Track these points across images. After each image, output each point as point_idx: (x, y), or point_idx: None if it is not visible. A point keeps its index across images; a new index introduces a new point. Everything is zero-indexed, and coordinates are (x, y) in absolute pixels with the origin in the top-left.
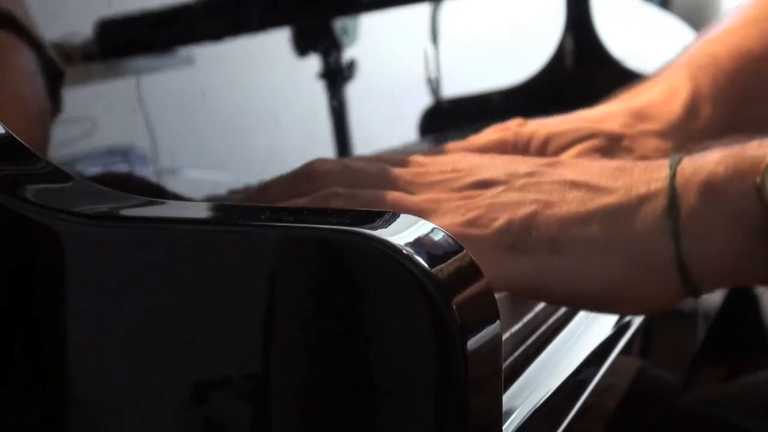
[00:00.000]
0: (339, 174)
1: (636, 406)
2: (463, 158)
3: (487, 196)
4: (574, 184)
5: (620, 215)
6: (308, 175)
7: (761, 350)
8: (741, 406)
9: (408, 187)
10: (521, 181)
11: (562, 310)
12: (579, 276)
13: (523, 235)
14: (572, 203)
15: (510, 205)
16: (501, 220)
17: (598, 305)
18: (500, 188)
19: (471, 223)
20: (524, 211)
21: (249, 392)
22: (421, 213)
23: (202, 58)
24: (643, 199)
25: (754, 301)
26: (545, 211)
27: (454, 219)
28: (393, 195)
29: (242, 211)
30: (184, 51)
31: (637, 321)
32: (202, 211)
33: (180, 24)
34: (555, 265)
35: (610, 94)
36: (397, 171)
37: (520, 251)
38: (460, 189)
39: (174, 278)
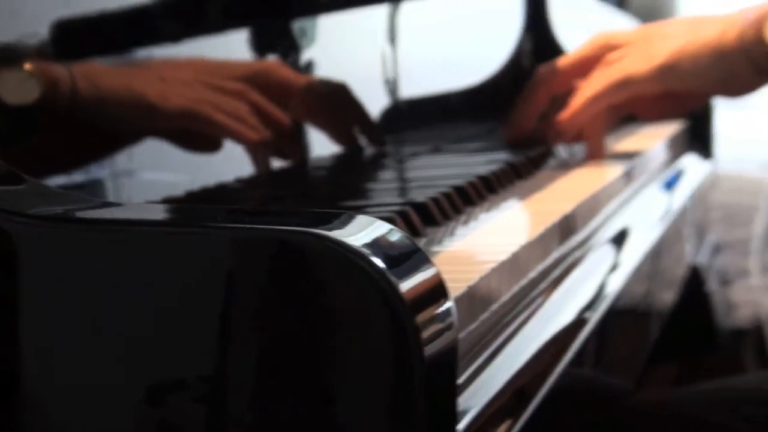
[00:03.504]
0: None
1: (587, 407)
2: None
3: None
4: None
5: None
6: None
7: (713, 349)
8: (693, 406)
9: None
10: None
11: (518, 308)
12: None
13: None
14: None
15: None
16: None
17: None
18: None
19: None
20: None
21: (204, 394)
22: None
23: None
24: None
25: (706, 300)
26: None
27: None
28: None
29: (199, 213)
30: (143, 52)
31: (593, 319)
32: (158, 213)
33: (138, 25)
34: None
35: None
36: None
37: None
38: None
39: (130, 280)
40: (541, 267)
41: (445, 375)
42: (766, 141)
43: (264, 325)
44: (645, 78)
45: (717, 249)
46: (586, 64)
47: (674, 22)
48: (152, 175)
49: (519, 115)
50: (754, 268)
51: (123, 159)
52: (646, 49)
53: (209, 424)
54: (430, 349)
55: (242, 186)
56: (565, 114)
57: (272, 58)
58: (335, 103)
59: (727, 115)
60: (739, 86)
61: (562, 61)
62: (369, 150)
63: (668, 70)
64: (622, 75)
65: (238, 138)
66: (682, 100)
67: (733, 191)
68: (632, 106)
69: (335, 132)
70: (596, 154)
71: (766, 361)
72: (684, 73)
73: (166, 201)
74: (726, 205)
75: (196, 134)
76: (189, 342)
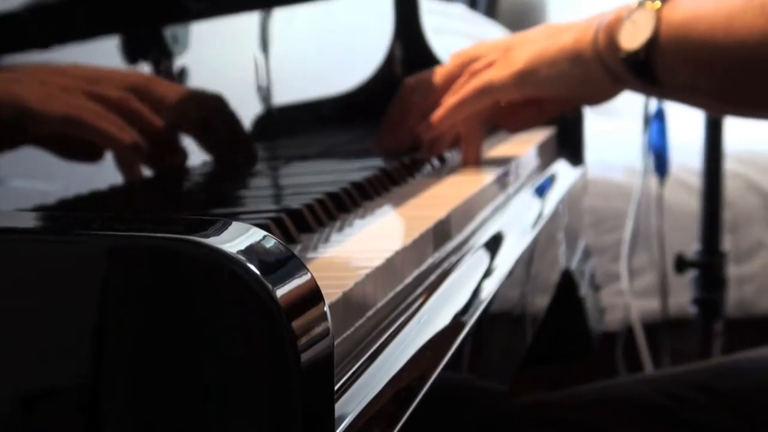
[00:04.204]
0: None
1: (464, 411)
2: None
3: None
4: None
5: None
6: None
7: (587, 352)
8: (567, 409)
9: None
10: None
11: (394, 314)
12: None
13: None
14: None
15: None
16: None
17: None
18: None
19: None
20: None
21: (78, 403)
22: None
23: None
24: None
25: (579, 305)
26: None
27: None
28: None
29: (73, 221)
30: (9, 59)
31: (469, 324)
32: (30, 221)
33: (3, 31)
34: None
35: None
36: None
37: None
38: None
39: (2, 289)
40: (416, 272)
41: (321, 381)
42: (631, 147)
43: (139, 334)
44: (505, 84)
45: (587, 254)
46: (451, 80)
47: (534, 29)
48: (23, 183)
49: (387, 119)
50: (623, 273)
51: None
52: (506, 57)
53: None
54: (306, 356)
55: (116, 194)
56: (430, 120)
57: (146, 67)
58: (210, 115)
59: (594, 121)
60: (595, 92)
61: (429, 78)
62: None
63: (527, 76)
64: (483, 81)
65: (118, 144)
66: (544, 108)
67: (601, 197)
68: (496, 116)
69: (208, 144)
70: (471, 161)
71: (637, 363)
72: (542, 79)
73: (38, 209)
74: (595, 210)
75: (76, 141)
76: (63, 351)
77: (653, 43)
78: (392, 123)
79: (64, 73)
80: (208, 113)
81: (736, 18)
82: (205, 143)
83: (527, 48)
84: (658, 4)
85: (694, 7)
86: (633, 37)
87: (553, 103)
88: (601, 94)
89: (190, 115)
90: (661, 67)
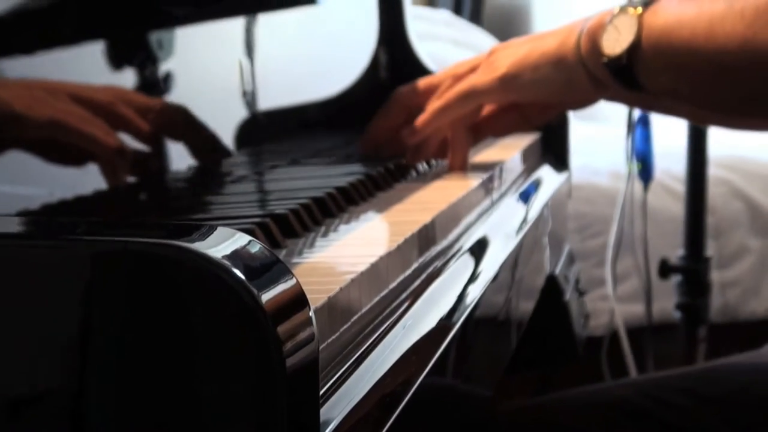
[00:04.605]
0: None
1: (449, 416)
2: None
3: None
4: None
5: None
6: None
7: (572, 357)
8: (552, 413)
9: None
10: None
11: (379, 319)
12: None
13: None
14: None
15: None
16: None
17: None
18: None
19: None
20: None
21: (64, 409)
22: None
23: (14, 72)
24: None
25: (564, 310)
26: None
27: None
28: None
29: (57, 226)
30: None
31: (453, 328)
32: (14, 226)
33: None
34: None
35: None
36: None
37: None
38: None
39: None
40: (401, 277)
41: (307, 386)
42: (616, 152)
43: (125, 339)
44: (488, 88)
45: (572, 259)
46: (437, 87)
47: (520, 37)
48: (7, 188)
49: (373, 128)
50: (608, 278)
51: None
52: (490, 61)
53: None
54: (291, 360)
55: (101, 199)
56: (414, 125)
57: (130, 72)
58: (177, 126)
59: (579, 126)
60: (578, 97)
61: (419, 82)
62: (230, 161)
63: (510, 80)
64: (466, 86)
65: (103, 148)
66: (526, 112)
67: (586, 201)
68: (480, 121)
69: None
70: (458, 166)
71: (622, 368)
72: (525, 83)
73: (22, 214)
74: (580, 215)
75: (62, 146)
76: (48, 357)
77: (635, 49)
78: (378, 120)
79: (44, 85)
80: (174, 123)
81: (717, 24)
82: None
83: (510, 52)
84: (640, 9)
85: (677, 13)
86: (615, 43)
87: (535, 107)
88: (584, 99)
89: (158, 125)
90: (643, 73)
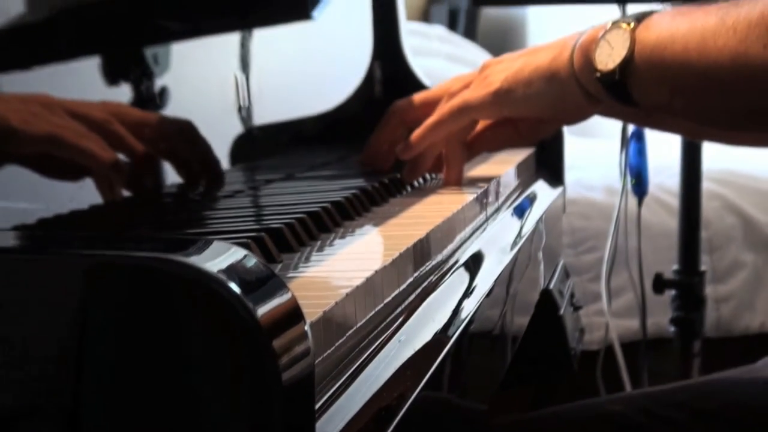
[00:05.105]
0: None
1: (444, 430)
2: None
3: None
4: None
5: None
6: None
7: (567, 371)
8: (546, 428)
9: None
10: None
11: (375, 333)
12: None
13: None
14: None
15: None
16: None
17: None
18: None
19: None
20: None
21: (60, 422)
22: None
23: (12, 87)
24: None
25: (559, 324)
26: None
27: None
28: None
29: (54, 240)
30: None
31: (448, 343)
32: (11, 240)
33: None
34: None
35: None
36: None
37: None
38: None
39: None
40: (396, 292)
41: (302, 400)
42: (611, 167)
43: (121, 352)
44: (481, 103)
45: (567, 273)
46: (432, 103)
47: (513, 52)
48: (4, 203)
49: (373, 141)
50: (603, 293)
51: None
52: (483, 77)
53: None
54: (287, 375)
55: (97, 213)
56: (409, 140)
57: (126, 87)
58: (181, 141)
59: (574, 141)
60: (571, 111)
61: (415, 96)
62: (226, 177)
63: (503, 95)
64: (460, 101)
65: (99, 163)
66: (520, 127)
67: (581, 216)
68: (475, 136)
69: (181, 168)
70: (453, 181)
71: (617, 382)
72: (518, 98)
73: (18, 228)
74: (574, 230)
75: (58, 160)
76: (45, 369)
77: (628, 64)
78: (378, 132)
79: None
80: (179, 138)
81: (710, 39)
82: (177, 167)
83: (503, 67)
84: (633, 24)
85: (669, 28)
86: (608, 58)
87: (529, 122)
88: (577, 114)
89: (160, 140)
90: (636, 87)
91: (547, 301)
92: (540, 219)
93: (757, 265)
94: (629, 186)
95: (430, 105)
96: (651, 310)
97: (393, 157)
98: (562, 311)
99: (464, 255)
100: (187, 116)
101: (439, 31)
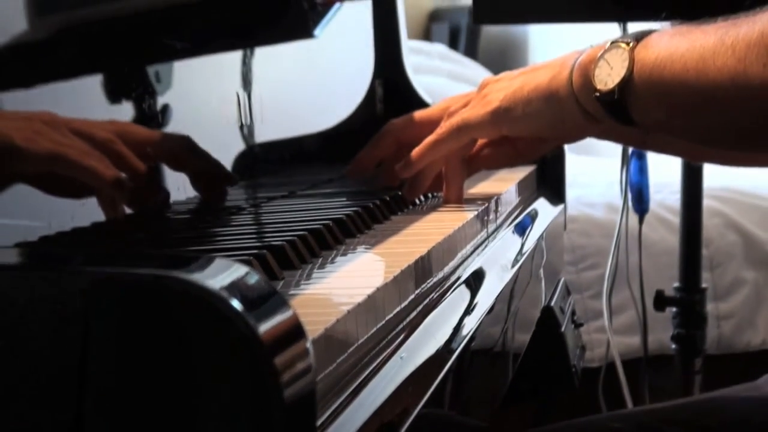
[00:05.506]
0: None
1: None
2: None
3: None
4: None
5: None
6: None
7: (568, 388)
8: None
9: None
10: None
11: (376, 349)
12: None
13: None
14: None
15: None
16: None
17: None
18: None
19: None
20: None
21: None
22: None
23: (12, 105)
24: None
25: (561, 341)
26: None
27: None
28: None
29: (56, 257)
30: None
31: (450, 360)
32: (14, 257)
33: None
34: None
35: None
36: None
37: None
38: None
39: None
40: (398, 309)
41: (304, 416)
42: (612, 185)
43: (123, 369)
44: (480, 122)
45: (568, 290)
46: (434, 121)
47: (512, 71)
48: (6, 221)
49: (362, 156)
50: (604, 310)
51: None
52: (483, 96)
53: None
54: (289, 391)
55: (100, 230)
56: (408, 158)
57: (129, 105)
58: (182, 155)
59: (575, 159)
60: (570, 130)
61: (412, 115)
62: (227, 193)
63: (502, 114)
64: (459, 120)
65: (101, 180)
66: (519, 146)
67: (582, 234)
68: (474, 154)
69: (192, 180)
70: (453, 199)
71: (618, 399)
72: (517, 117)
73: (20, 245)
74: (575, 247)
75: (61, 178)
76: (46, 386)
77: (627, 83)
78: (368, 148)
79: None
80: (179, 152)
81: (709, 58)
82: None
83: (502, 86)
84: (632, 43)
85: (668, 47)
86: (607, 77)
87: (528, 141)
88: (576, 133)
89: (163, 156)
90: (635, 107)
91: (548, 318)
92: (541, 236)
93: (758, 282)
94: (630, 203)
95: (428, 124)
96: (652, 327)
97: (388, 174)
98: (563, 328)
99: (465, 272)
100: (190, 134)
101: (440, 49)
